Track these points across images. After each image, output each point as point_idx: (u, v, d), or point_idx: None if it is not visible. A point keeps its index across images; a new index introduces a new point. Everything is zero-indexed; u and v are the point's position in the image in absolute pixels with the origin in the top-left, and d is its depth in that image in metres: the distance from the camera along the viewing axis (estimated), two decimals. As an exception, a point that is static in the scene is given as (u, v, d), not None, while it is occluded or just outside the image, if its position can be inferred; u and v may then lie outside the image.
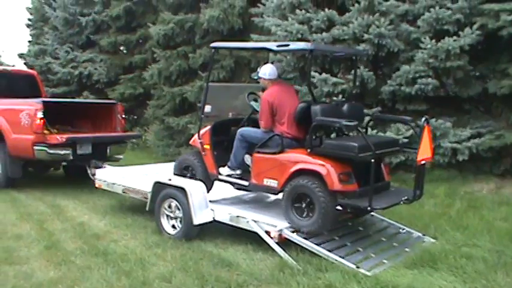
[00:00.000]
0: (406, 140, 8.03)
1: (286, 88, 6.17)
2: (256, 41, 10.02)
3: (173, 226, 6.07)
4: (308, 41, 8.65)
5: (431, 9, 8.14)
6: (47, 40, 19.13)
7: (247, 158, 6.04)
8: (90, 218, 7.14)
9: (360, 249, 5.34)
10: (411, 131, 7.99)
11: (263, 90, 6.21)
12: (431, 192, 7.75)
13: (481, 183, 8.33)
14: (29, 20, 22.46)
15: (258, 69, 6.15)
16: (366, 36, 8.44)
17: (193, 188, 5.95)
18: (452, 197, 7.76)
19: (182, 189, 5.93)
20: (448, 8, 8.12)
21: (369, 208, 5.12)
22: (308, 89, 6.42)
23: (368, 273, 4.71)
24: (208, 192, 6.24)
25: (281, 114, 5.76)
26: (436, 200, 7.60)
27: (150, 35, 14.17)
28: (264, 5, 10.33)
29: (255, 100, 6.22)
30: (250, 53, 11.22)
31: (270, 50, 6.15)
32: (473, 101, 9.09)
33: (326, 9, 8.98)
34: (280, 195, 5.66)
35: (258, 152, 5.76)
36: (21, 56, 21.94)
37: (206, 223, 5.86)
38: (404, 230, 6.07)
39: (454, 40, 7.96)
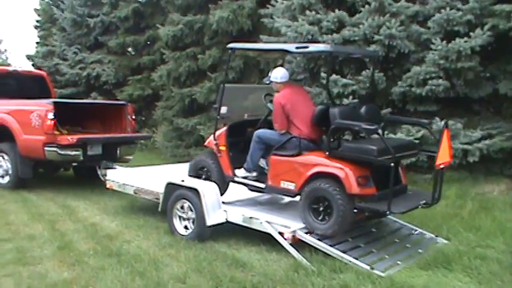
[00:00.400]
0: (417, 142, 7.99)
1: (298, 90, 6.21)
2: (266, 42, 10.01)
3: (185, 227, 6.09)
4: (319, 42, 8.64)
5: (442, 10, 8.09)
6: (55, 41, 19.15)
7: (262, 161, 6.04)
8: (102, 218, 7.17)
9: (374, 250, 5.34)
10: (421, 133, 7.98)
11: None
12: (442, 193, 7.55)
13: (492, 185, 8.28)
14: (37, 21, 22.50)
15: (269, 74, 6.15)
16: (376, 37, 8.41)
17: (206, 189, 5.96)
18: (464, 198, 7.72)
19: (195, 190, 5.94)
20: (459, 9, 8.07)
21: (387, 212, 5.10)
22: (326, 92, 6.41)
23: (382, 274, 4.71)
24: (223, 194, 6.24)
25: (295, 116, 5.76)
26: (448, 201, 7.56)
27: (158, 36, 14.21)
28: (273, 6, 10.31)
29: (271, 102, 6.21)
30: (258, 53, 11.20)
31: (288, 52, 6.16)
32: (483, 102, 9.05)
33: (336, 10, 8.95)
34: (294, 198, 5.65)
35: (275, 154, 5.75)
36: (29, 57, 22.02)
37: (219, 224, 5.87)
38: (417, 231, 6.08)
39: (465, 41, 7.91)
